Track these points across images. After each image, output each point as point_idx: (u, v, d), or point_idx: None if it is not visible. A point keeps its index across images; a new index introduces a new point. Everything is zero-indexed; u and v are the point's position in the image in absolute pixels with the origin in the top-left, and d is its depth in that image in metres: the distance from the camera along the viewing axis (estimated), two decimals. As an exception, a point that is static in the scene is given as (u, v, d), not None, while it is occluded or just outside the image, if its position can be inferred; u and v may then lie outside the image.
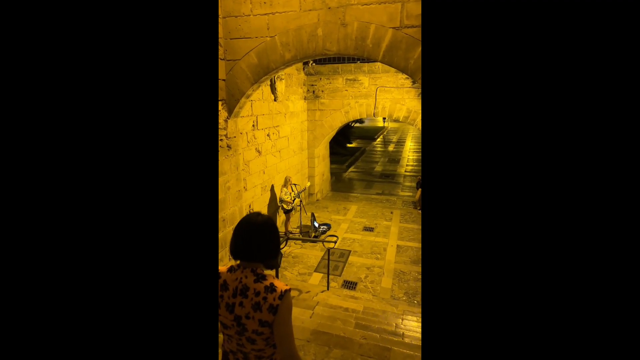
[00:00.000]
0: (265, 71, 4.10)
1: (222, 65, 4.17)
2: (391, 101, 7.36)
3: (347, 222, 7.19)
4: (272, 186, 6.46)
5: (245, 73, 4.18)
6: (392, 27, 3.51)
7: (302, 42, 3.86)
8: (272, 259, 1.27)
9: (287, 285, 1.23)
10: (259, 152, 5.85)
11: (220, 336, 1.30)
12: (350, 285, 4.90)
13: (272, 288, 1.19)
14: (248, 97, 4.40)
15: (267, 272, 1.27)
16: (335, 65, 7.58)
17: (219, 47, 4.09)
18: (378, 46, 3.61)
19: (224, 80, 4.23)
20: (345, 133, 16.51)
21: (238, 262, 1.27)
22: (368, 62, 7.36)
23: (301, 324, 3.04)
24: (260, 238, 1.22)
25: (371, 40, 3.61)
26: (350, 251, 5.90)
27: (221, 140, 4.30)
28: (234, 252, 1.25)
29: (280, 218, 6.75)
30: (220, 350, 1.35)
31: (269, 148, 6.22)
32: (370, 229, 6.85)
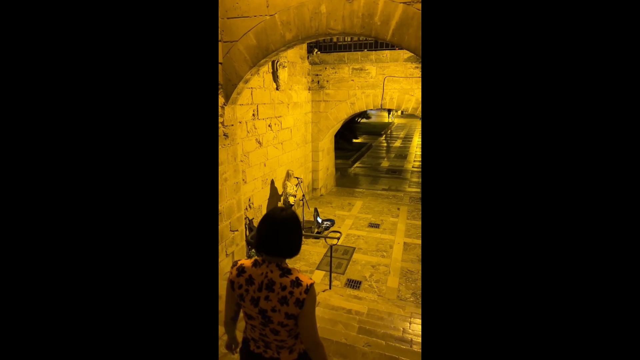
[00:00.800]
0: (264, 53, 3.80)
1: (218, 47, 3.88)
2: (399, 91, 7.01)
3: (351, 218, 6.90)
4: (273, 181, 6.19)
5: (243, 55, 3.89)
6: (403, 2, 3.18)
7: (304, 20, 3.55)
8: (295, 253, 1.27)
9: (310, 279, 1.24)
10: (259, 143, 5.57)
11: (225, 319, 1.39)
12: (354, 284, 4.61)
13: (297, 282, 1.21)
14: (246, 82, 4.10)
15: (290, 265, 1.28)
16: (341, 53, 7.24)
17: (215, 28, 3.80)
18: (387, 24, 3.29)
19: (220, 63, 3.95)
20: (351, 128, 16.19)
21: (262, 257, 1.28)
22: (375, 50, 7.01)
23: (298, 327, 2.76)
24: (285, 233, 1.22)
25: (379, 17, 3.29)
26: (354, 248, 5.61)
27: (218, 128, 4.02)
28: (259, 247, 1.26)
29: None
30: (241, 335, 1.40)
31: (270, 139, 5.93)
32: (376, 226, 6.54)
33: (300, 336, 1.27)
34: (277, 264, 1.23)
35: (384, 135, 21.16)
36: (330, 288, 4.24)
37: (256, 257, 1.29)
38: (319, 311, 3.24)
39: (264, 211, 5.97)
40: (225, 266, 4.41)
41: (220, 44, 3.90)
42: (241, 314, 1.35)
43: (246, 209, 5.34)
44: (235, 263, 1.32)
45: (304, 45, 7.22)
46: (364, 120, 21.22)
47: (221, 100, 4.04)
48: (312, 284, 1.22)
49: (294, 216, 1.26)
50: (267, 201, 6.05)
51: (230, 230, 4.49)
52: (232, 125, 4.31)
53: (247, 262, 1.29)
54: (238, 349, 1.47)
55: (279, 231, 1.21)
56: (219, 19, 3.84)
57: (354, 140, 16.85)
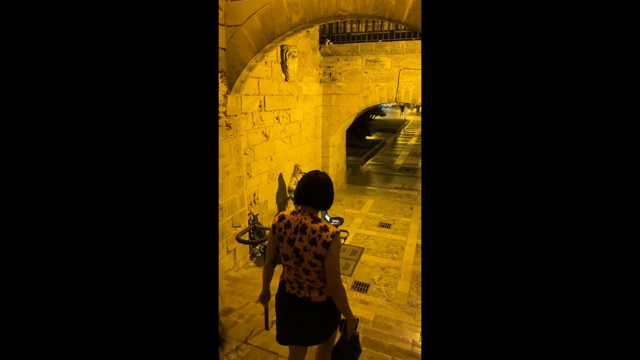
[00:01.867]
0: (269, 38, 3.55)
1: (221, 31, 3.65)
2: (416, 85, 6.64)
3: (361, 217, 6.60)
4: (281, 175, 5.95)
5: (248, 41, 3.65)
6: (421, -22, 2.86)
7: (312, 1, 3.27)
8: (326, 207, 1.57)
9: (337, 228, 1.51)
10: (266, 136, 5.34)
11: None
12: (361, 287, 4.34)
13: (325, 228, 1.47)
14: (251, 69, 3.87)
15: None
16: (355, 44, 6.92)
17: (219, 11, 3.57)
18: (402, 3, 2.97)
19: (223, 49, 3.72)
20: (364, 124, 15.81)
21: (299, 208, 1.58)
22: (390, 41, 6.66)
23: (296, 336, 2.51)
24: (317, 189, 1.52)
25: (394, -4, 2.98)
26: (363, 248, 5.32)
27: (219, 117, 3.80)
28: (297, 199, 1.57)
29: (289, 209, 6.25)
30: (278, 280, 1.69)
31: (277, 132, 5.69)
32: (387, 225, 6.23)
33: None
34: (310, 214, 1.52)
35: (399, 133, 20.71)
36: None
37: (294, 209, 1.60)
38: (320, 317, 2.98)
39: (270, 207, 5.75)
40: (225, 264, 4.21)
41: (224, 28, 3.68)
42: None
43: (250, 204, 5.13)
44: (277, 214, 1.64)
45: (316, 36, 6.93)
46: (378, 117, 20.76)
47: (224, 88, 3.82)
48: (337, 232, 1.48)
49: (326, 177, 1.57)
50: (274, 197, 5.83)
51: (232, 226, 4.28)
52: (236, 115, 4.09)
53: (287, 213, 1.59)
54: (268, 302, 1.78)
55: (312, 187, 1.52)
56: (223, 1, 3.61)
57: (367, 137, 16.46)
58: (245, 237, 4.22)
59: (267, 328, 2.63)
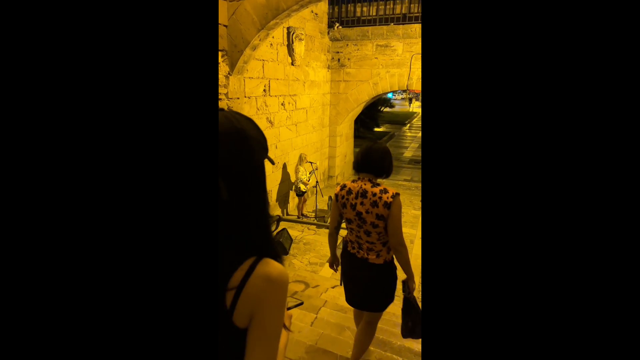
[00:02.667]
0: (274, 13, 3.30)
1: (222, 6, 3.41)
2: (428, 71, 6.33)
3: (369, 209, 6.37)
4: (285, 164, 5.74)
5: (251, 17, 3.40)
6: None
7: (320, -29, 3.02)
8: (385, 173, 1.70)
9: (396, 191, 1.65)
10: (270, 122, 5.11)
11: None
12: (368, 281, 4.13)
13: (385, 190, 1.62)
14: (254, 48, 3.63)
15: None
16: (365, 28, 6.60)
17: (220, -16, 3.33)
18: (420, -29, 2.70)
19: (225, 26, 3.48)
20: (373, 116, 15.48)
21: (359, 176, 1.72)
22: (403, 24, 6.34)
23: (297, 333, 2.32)
24: (376, 157, 1.66)
25: (411, -37, 2.70)
26: (370, 241, 5.10)
27: (220, 100, 3.58)
28: (357, 167, 1.72)
29: (294, 201, 6.04)
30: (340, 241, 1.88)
31: (283, 119, 5.46)
32: (396, 218, 5.99)
33: (388, 241, 1.65)
34: (369, 179, 1.65)
35: (408, 125, 20.32)
36: (341, 284, 3.77)
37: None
38: (324, 313, 2.79)
39: (274, 197, 5.56)
40: (227, 254, 4.04)
41: (225, 3, 3.43)
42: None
43: (254, 193, 4.93)
44: (338, 183, 2.00)
45: (324, 19, 6.64)
46: (386, 109, 20.37)
47: (225, 68, 3.59)
48: (397, 193, 1.61)
49: (384, 147, 1.71)
50: (277, 186, 5.62)
51: (234, 216, 4.10)
52: (238, 98, 3.87)
53: (348, 182, 1.71)
54: (338, 269, 1.91)
55: (371, 155, 1.65)
56: (224, -26, 3.36)
57: (376, 129, 16.13)
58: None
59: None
